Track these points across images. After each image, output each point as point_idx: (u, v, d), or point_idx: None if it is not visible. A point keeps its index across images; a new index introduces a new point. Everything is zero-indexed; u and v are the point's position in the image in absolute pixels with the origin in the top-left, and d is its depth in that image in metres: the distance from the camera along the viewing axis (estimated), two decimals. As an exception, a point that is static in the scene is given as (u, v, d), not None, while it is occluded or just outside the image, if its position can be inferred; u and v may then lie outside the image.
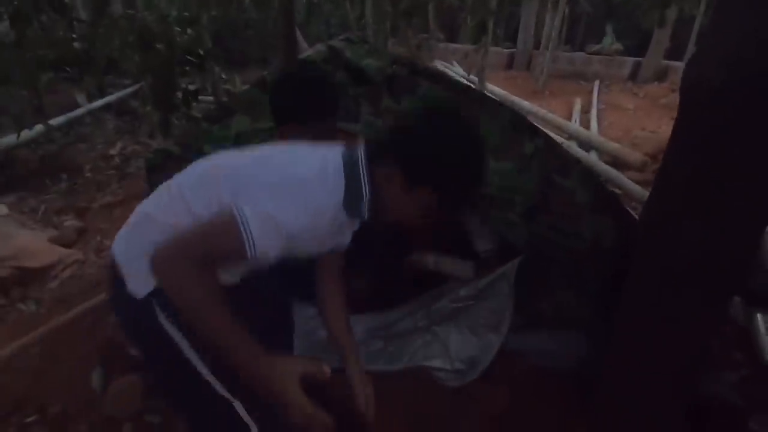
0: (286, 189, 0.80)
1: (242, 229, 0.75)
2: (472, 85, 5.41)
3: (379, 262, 1.99)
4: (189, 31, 2.97)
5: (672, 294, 1.17)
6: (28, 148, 3.90)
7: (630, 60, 7.95)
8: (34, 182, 3.59)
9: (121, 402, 1.44)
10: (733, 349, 1.70)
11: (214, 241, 0.79)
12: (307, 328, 1.69)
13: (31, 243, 2.50)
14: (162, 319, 0.85)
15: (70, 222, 2.96)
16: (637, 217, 1.66)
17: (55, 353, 1.67)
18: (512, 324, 1.63)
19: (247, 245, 0.76)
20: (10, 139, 3.69)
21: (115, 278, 0.90)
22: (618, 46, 8.58)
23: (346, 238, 1.02)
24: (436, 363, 1.63)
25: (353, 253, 1.11)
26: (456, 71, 7.42)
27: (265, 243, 0.78)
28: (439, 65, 7.41)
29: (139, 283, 0.85)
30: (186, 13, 3.10)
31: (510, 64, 9.08)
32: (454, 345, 1.66)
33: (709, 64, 0.92)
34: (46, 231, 2.80)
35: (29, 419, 1.44)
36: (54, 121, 4.10)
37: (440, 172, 0.84)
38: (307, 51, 3.34)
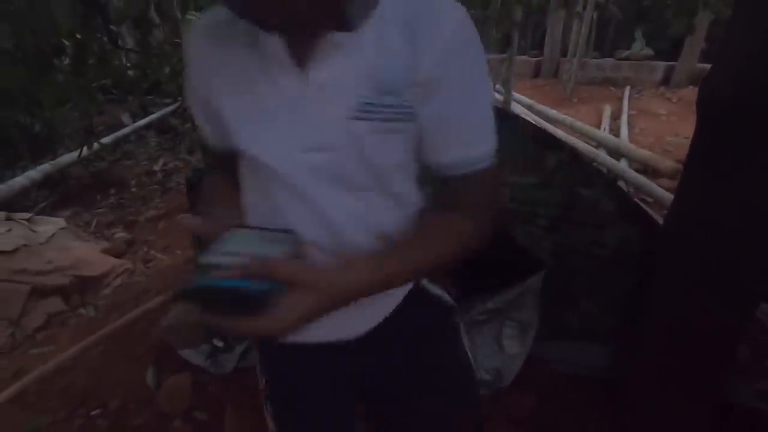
0: None
1: None
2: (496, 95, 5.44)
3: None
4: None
5: (694, 299, 1.20)
6: (81, 166, 4.21)
7: (662, 64, 7.76)
8: (87, 197, 3.87)
9: (172, 399, 1.58)
10: (764, 357, 1.66)
11: None
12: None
13: (86, 254, 2.71)
14: None
15: (120, 234, 3.19)
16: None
17: (114, 354, 1.83)
18: (538, 334, 1.66)
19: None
20: (66, 158, 4.03)
21: None
22: (648, 51, 8.39)
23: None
24: None
25: None
26: (481, 81, 7.44)
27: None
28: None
29: None
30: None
31: (537, 73, 9.03)
32: (480, 356, 1.70)
33: (721, 81, 0.97)
34: (99, 242, 3.03)
35: (93, 413, 1.59)
36: (103, 140, 4.42)
37: None
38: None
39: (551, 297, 1.63)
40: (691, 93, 6.82)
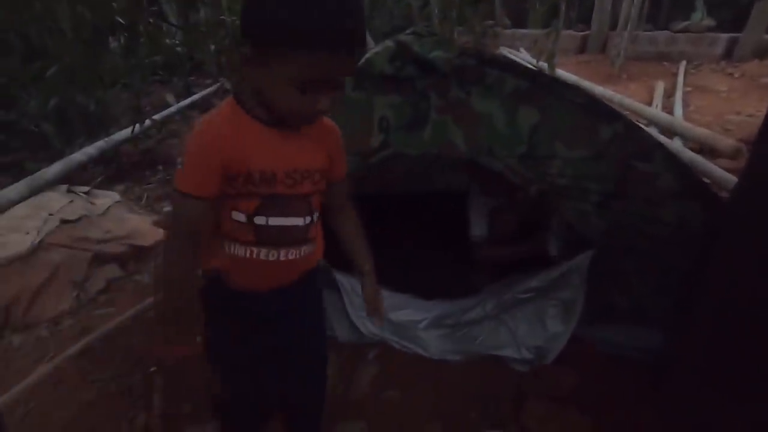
0: None
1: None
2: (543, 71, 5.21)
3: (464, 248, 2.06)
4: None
5: (755, 286, 1.12)
6: (131, 144, 4.41)
7: (724, 36, 7.15)
8: (137, 173, 4.07)
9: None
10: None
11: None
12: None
13: (139, 225, 2.87)
14: None
15: (168, 208, 3.35)
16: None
17: (168, 317, 1.95)
18: (584, 316, 1.62)
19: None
20: (118, 135, 4.23)
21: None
22: (710, 21, 7.74)
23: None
24: (505, 352, 1.67)
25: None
26: (523, 58, 7.17)
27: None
28: (506, 52, 7.20)
29: None
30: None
31: (583, 48, 8.58)
32: (521, 334, 1.68)
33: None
34: (150, 215, 3.19)
35: (152, 370, 1.71)
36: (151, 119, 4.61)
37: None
38: (372, 46, 3.45)
39: (600, 276, 1.58)
40: (756, 67, 6.29)
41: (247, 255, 0.88)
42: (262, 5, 0.69)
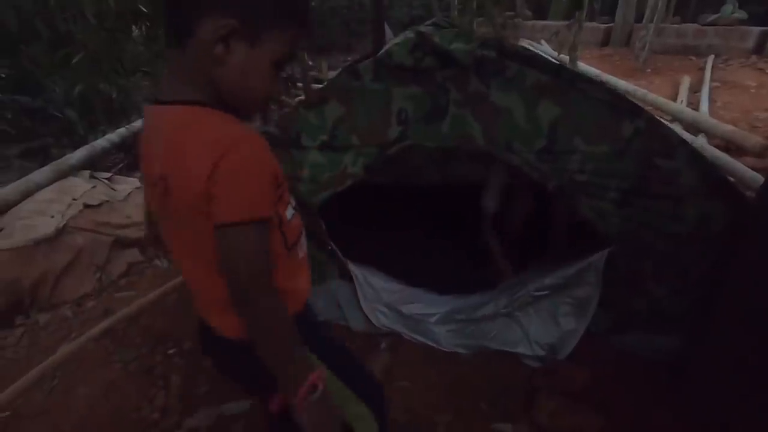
0: None
1: None
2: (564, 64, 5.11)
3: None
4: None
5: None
6: (152, 131, 4.49)
7: (755, 30, 6.86)
8: (157, 160, 4.16)
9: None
10: None
11: None
12: (391, 300, 1.82)
13: (159, 211, 2.94)
14: None
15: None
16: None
17: (187, 301, 2.00)
18: (601, 323, 1.61)
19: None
20: (138, 123, 4.31)
21: None
22: (741, 14, 7.45)
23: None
24: (517, 349, 1.67)
25: None
26: (544, 50, 7.03)
27: None
28: (526, 45, 7.07)
29: None
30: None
31: (606, 41, 8.35)
32: (534, 331, 1.68)
33: None
34: (169, 202, 3.26)
35: (170, 351, 1.77)
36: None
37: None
38: (391, 36, 3.43)
39: (616, 276, 1.56)
40: (789, 62, 6.04)
41: (300, 256, 0.84)
42: None
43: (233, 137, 0.64)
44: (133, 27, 2.87)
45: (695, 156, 1.39)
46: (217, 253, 0.66)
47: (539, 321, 1.69)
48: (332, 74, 5.81)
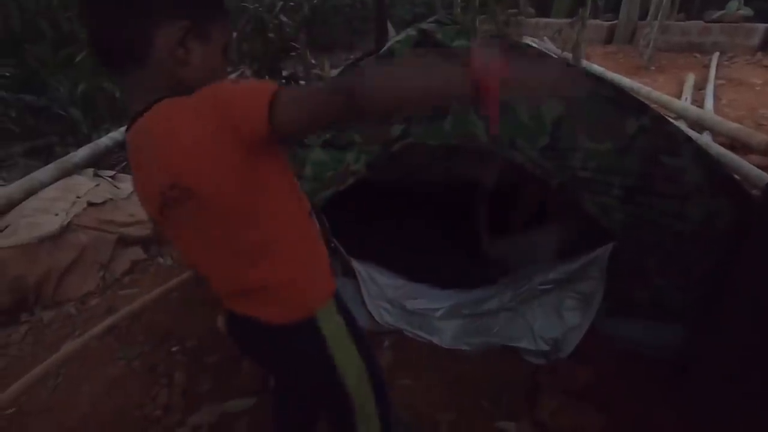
0: None
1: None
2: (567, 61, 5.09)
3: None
4: (283, 18, 3.21)
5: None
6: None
7: (761, 27, 6.80)
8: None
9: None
10: None
11: None
12: (395, 296, 1.82)
13: (162, 209, 2.94)
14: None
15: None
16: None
17: (190, 300, 2.01)
18: (603, 310, 1.60)
19: None
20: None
21: None
22: (746, 11, 7.38)
23: None
24: (521, 344, 1.67)
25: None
26: (547, 48, 6.99)
27: None
28: (529, 42, 7.04)
29: None
30: (291, 3, 3.33)
31: (610, 38, 8.30)
32: (538, 325, 1.67)
33: None
34: (172, 200, 3.27)
35: (173, 349, 1.77)
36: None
37: None
38: (393, 34, 3.43)
39: (620, 270, 1.55)
40: (795, 60, 5.98)
41: (314, 231, 0.85)
42: None
43: (206, 89, 0.63)
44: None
45: (701, 153, 1.38)
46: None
47: (543, 315, 1.69)
48: (335, 72, 5.80)
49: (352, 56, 7.62)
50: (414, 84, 0.58)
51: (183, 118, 0.63)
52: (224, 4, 0.75)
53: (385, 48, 1.52)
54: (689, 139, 1.39)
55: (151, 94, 0.66)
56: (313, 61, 6.36)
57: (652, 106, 4.61)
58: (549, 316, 1.66)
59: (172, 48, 0.66)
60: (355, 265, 1.69)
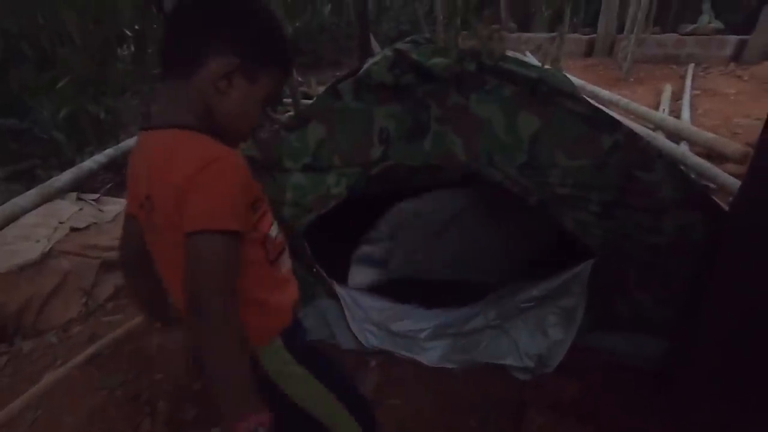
0: None
1: None
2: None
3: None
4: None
5: (761, 292, 1.12)
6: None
7: (733, 39, 7.07)
8: (146, 180, 4.13)
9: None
10: None
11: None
12: (380, 319, 1.82)
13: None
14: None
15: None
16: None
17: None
18: (586, 324, 1.62)
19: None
20: (127, 143, 4.30)
21: None
22: (717, 24, 7.68)
23: None
24: (506, 361, 1.67)
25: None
26: (531, 61, 7.15)
27: None
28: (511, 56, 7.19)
29: None
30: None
31: (589, 52, 8.53)
32: (523, 342, 1.68)
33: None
34: (158, 222, 3.24)
35: (157, 376, 1.73)
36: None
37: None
38: (378, 50, 3.48)
39: (601, 286, 1.57)
40: (765, 69, 6.21)
41: (284, 270, 0.87)
42: (267, 26, 0.76)
43: (214, 154, 0.69)
44: (119, 49, 2.89)
45: (672, 168, 1.42)
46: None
47: (528, 332, 1.70)
48: (321, 89, 5.86)
49: (337, 73, 7.69)
50: (224, 368, 0.67)
51: (180, 162, 0.68)
52: (289, 62, 0.81)
53: (363, 69, 1.53)
54: (661, 154, 1.43)
55: (178, 112, 0.73)
56: (299, 79, 6.41)
57: (631, 117, 4.73)
58: (533, 332, 1.67)
59: (216, 77, 0.71)
60: (338, 289, 1.69)
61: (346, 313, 1.72)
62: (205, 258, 0.65)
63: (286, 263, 0.89)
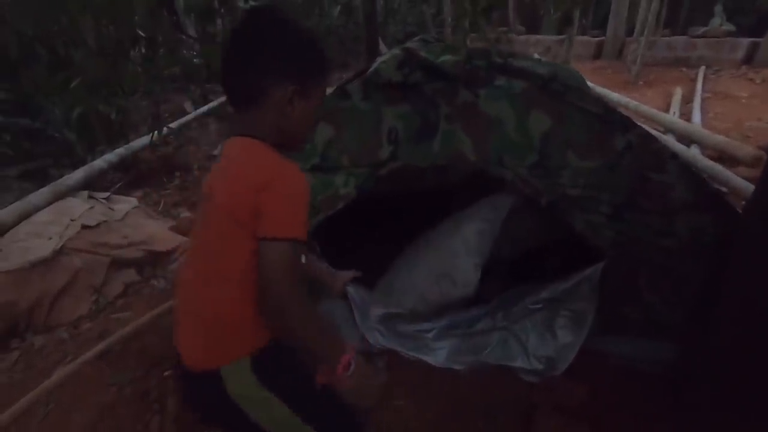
0: None
1: None
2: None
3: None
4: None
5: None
6: (149, 150, 4.52)
7: (744, 41, 7.00)
8: (155, 180, 4.16)
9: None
10: None
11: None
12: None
13: (156, 231, 2.93)
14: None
15: (185, 214, 3.42)
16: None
17: (182, 322, 1.99)
18: (595, 327, 1.60)
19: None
20: (137, 142, 4.35)
21: None
22: (729, 27, 7.60)
23: None
24: (515, 363, 1.66)
25: None
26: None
27: None
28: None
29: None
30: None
31: (598, 54, 8.49)
32: (532, 345, 1.67)
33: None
34: (167, 221, 3.26)
35: (166, 373, 1.75)
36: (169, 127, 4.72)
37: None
38: (385, 51, 3.49)
39: (611, 288, 1.56)
40: (778, 73, 6.13)
41: None
42: (309, 49, 0.86)
43: (286, 165, 0.81)
44: (132, 50, 2.92)
45: (686, 170, 1.40)
46: (253, 266, 0.77)
47: (536, 334, 1.68)
48: (329, 91, 5.86)
49: (344, 75, 7.69)
50: (313, 340, 0.81)
51: (250, 164, 0.81)
52: (328, 69, 0.91)
53: (372, 68, 1.53)
54: (674, 155, 1.41)
55: (254, 128, 0.85)
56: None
57: (641, 120, 4.70)
58: (542, 334, 1.66)
59: (282, 104, 0.84)
60: (348, 289, 1.69)
61: (356, 313, 1.72)
62: (286, 264, 0.75)
63: None
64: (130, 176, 4.14)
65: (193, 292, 0.86)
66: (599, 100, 1.44)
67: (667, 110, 4.93)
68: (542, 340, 1.67)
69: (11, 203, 2.64)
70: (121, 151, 4.04)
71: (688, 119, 4.52)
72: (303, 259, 0.81)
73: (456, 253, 1.75)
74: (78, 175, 3.25)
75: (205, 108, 6.02)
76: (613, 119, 1.43)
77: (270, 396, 0.85)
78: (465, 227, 1.77)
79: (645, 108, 4.80)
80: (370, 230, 2.38)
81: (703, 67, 6.73)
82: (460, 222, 1.81)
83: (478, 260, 1.75)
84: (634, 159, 1.41)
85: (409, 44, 1.56)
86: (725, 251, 1.30)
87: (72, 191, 3.01)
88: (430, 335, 1.78)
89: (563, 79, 1.42)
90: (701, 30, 7.65)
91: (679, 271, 1.45)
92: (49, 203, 2.76)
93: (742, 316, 1.25)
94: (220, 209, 0.80)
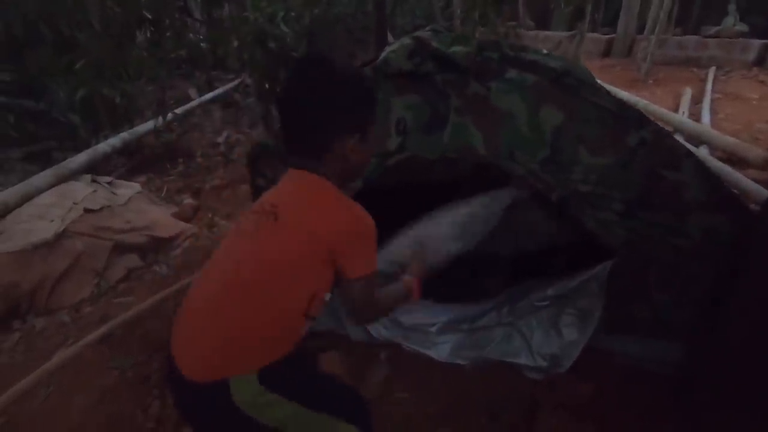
0: None
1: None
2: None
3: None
4: (284, 28, 3.24)
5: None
6: (153, 136, 4.50)
7: (756, 42, 6.91)
8: (158, 166, 4.15)
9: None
10: None
11: None
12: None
13: (159, 217, 2.92)
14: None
15: (188, 200, 3.40)
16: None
17: (185, 308, 1.98)
18: (601, 325, 1.59)
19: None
20: (141, 128, 4.32)
21: None
22: (742, 27, 7.49)
23: None
24: (519, 360, 1.65)
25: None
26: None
27: None
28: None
29: None
30: (292, 13, 3.35)
31: (608, 52, 8.40)
32: (536, 341, 1.65)
33: None
34: (169, 207, 3.25)
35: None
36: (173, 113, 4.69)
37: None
38: (392, 42, 3.44)
39: (619, 286, 1.54)
40: (790, 75, 6.05)
41: (303, 330, 0.93)
42: (365, 97, 0.91)
43: (355, 208, 0.88)
44: (137, 33, 2.88)
45: (701, 168, 1.37)
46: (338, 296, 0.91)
47: (541, 331, 1.67)
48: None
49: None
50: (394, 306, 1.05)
51: (327, 207, 0.88)
52: (377, 105, 0.96)
53: (381, 57, 1.50)
54: (690, 153, 1.38)
55: (318, 170, 0.89)
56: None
57: (651, 119, 4.60)
58: (547, 331, 1.65)
59: (345, 153, 0.89)
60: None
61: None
62: (370, 296, 0.91)
63: (309, 324, 0.91)
64: (134, 161, 4.12)
65: (218, 305, 0.84)
66: (612, 96, 1.41)
67: (676, 110, 4.88)
68: (547, 337, 1.66)
69: (14, 185, 2.63)
70: (125, 135, 4.01)
71: (698, 120, 4.47)
72: None
73: (438, 224, 1.71)
74: (81, 158, 3.24)
75: (209, 95, 5.98)
76: (626, 115, 1.39)
77: (277, 398, 0.85)
78: (460, 208, 1.73)
79: (654, 107, 4.74)
80: (376, 221, 2.35)
81: (713, 68, 6.65)
82: (457, 205, 1.77)
83: (460, 243, 1.70)
84: (647, 156, 1.38)
85: (419, 33, 1.53)
86: (739, 253, 1.27)
87: (75, 175, 3.00)
88: (433, 329, 1.77)
89: (577, 74, 1.39)
90: (713, 29, 7.54)
91: (690, 270, 1.43)
92: (52, 186, 2.74)
93: (753, 318, 1.23)
94: (294, 239, 0.84)
